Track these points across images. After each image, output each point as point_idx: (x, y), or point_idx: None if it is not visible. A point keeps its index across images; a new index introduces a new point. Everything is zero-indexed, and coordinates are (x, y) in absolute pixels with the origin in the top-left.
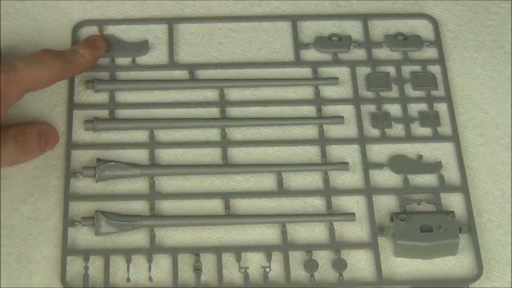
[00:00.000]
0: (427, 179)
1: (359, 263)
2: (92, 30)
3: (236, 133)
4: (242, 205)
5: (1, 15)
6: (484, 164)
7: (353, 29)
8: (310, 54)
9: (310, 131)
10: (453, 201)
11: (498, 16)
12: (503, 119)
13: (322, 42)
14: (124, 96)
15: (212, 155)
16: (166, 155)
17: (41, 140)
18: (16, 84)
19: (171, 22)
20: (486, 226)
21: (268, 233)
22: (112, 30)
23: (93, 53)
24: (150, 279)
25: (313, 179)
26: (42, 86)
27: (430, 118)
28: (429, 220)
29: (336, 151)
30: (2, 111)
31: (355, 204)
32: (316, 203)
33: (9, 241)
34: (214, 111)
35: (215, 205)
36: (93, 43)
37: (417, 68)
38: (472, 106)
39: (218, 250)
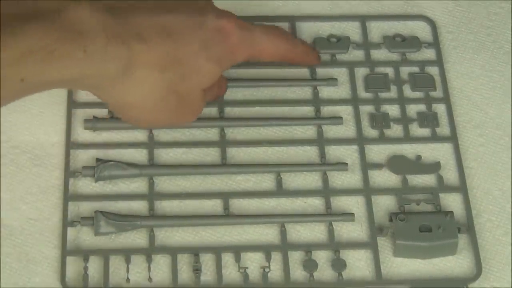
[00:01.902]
0: (426, 180)
1: (359, 263)
2: None
3: (235, 133)
4: (241, 205)
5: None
6: (484, 164)
7: (352, 30)
8: None
9: (309, 131)
10: (452, 201)
11: (498, 17)
12: (502, 119)
13: (320, 43)
14: None
15: (211, 155)
16: (165, 155)
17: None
18: (246, 46)
19: None
20: (486, 226)
21: (267, 233)
22: None
23: (307, 51)
24: (150, 279)
25: (312, 179)
26: (263, 59)
27: (428, 119)
28: (428, 220)
29: (335, 152)
30: (227, 66)
31: (354, 204)
32: (315, 203)
33: (9, 241)
34: (213, 111)
35: (214, 205)
36: (307, 50)
37: (415, 69)
38: (472, 107)
39: (217, 250)
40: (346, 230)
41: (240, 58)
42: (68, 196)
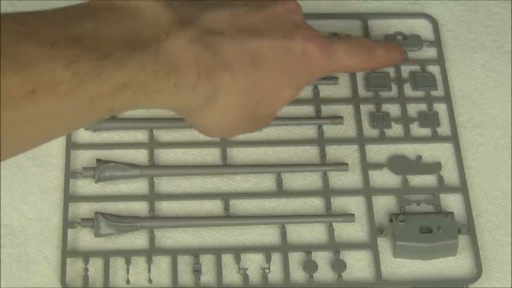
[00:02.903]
0: (427, 180)
1: (359, 263)
2: None
3: None
4: (242, 205)
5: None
6: (484, 164)
7: (353, 28)
8: None
9: (309, 131)
10: (453, 202)
11: (498, 16)
12: (503, 119)
13: None
14: None
15: (211, 155)
16: (165, 155)
17: None
18: (326, 65)
19: None
20: (486, 226)
21: (267, 234)
22: None
23: (390, 57)
24: (150, 280)
25: (312, 180)
26: (343, 72)
27: (429, 119)
28: (428, 221)
29: (336, 152)
30: (303, 88)
31: (354, 204)
32: (316, 204)
33: (9, 241)
34: None
35: (214, 206)
36: (388, 53)
37: (416, 68)
38: (472, 106)
39: (217, 251)
40: (346, 231)
41: (318, 77)
42: (68, 197)
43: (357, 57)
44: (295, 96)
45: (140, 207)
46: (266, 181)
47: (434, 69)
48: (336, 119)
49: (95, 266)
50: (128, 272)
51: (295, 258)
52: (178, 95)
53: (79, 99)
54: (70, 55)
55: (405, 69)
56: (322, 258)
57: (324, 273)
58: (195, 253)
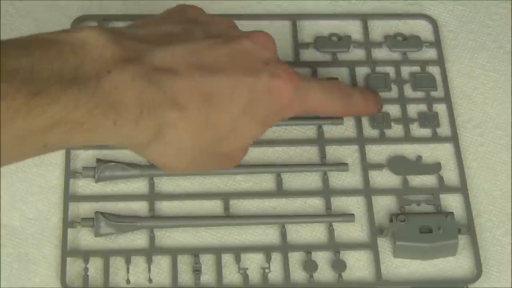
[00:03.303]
0: (427, 180)
1: (359, 263)
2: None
3: None
4: (242, 205)
5: (1, 14)
6: (484, 164)
7: (353, 29)
8: (310, 54)
9: (309, 131)
10: (453, 202)
11: (498, 16)
12: (503, 119)
13: (321, 42)
14: None
15: None
16: None
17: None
18: (298, 105)
19: None
20: (486, 226)
21: (267, 234)
22: (112, 26)
23: (366, 106)
24: (150, 280)
25: (312, 180)
26: (317, 114)
27: (429, 119)
28: (428, 221)
29: (336, 152)
30: (272, 124)
31: (354, 204)
32: (316, 204)
33: (9, 241)
34: None
35: (214, 206)
36: (365, 101)
37: (416, 68)
38: (472, 106)
39: (217, 251)
40: (346, 231)
41: (289, 115)
42: (68, 197)
43: (332, 101)
44: (261, 132)
45: (140, 207)
46: (266, 181)
47: (434, 70)
48: (336, 119)
49: (95, 266)
50: (128, 271)
51: (295, 258)
52: (118, 132)
53: (9, 135)
54: (2, 90)
55: (405, 70)
56: (322, 258)
57: (324, 273)
58: (195, 252)
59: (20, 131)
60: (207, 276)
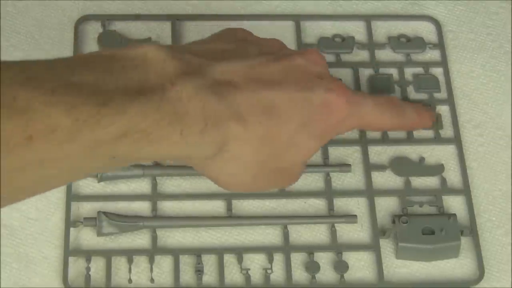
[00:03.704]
0: (429, 182)
1: (361, 264)
2: (94, 26)
3: None
4: (244, 206)
5: (1, 14)
6: (484, 164)
7: (356, 30)
8: None
9: None
10: (455, 203)
11: (498, 16)
12: (503, 119)
13: (325, 42)
14: None
15: None
16: None
17: None
18: (352, 120)
19: (174, 19)
20: (486, 226)
21: (269, 234)
22: (114, 26)
23: (419, 120)
24: (152, 280)
25: (314, 180)
26: (370, 130)
27: None
28: (430, 222)
29: (338, 153)
30: (329, 139)
31: (356, 205)
32: (318, 205)
33: (9, 241)
34: None
35: (216, 206)
36: (418, 117)
37: (419, 70)
38: (472, 106)
39: (219, 251)
40: (349, 232)
41: (344, 131)
42: (70, 196)
43: (385, 115)
44: (317, 148)
45: (142, 207)
46: None
47: (437, 71)
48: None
49: (97, 266)
50: (130, 271)
51: (297, 258)
52: (185, 143)
53: (78, 146)
54: (69, 102)
55: (408, 71)
56: (324, 259)
57: (326, 274)
58: (197, 253)
59: (89, 143)
60: (209, 276)
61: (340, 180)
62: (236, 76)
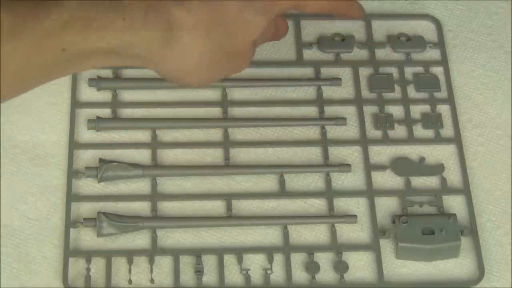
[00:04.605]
0: (429, 181)
1: (361, 265)
2: None
3: (238, 133)
4: (244, 206)
5: None
6: (484, 164)
7: (356, 29)
8: (313, 54)
9: (312, 132)
10: (455, 203)
11: (498, 16)
12: (503, 119)
13: (325, 42)
14: (127, 95)
15: (214, 155)
16: (168, 155)
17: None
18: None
19: None
20: (486, 226)
21: (269, 235)
22: None
23: (351, 8)
24: (152, 280)
25: (314, 180)
26: (307, 11)
27: (432, 120)
28: (430, 222)
29: (338, 153)
30: (273, 14)
31: (356, 205)
32: (318, 205)
33: (9, 241)
34: (216, 111)
35: (216, 206)
36: (351, 2)
37: (419, 69)
38: (472, 106)
39: (219, 252)
40: (349, 232)
41: (285, 6)
42: (70, 197)
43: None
44: (266, 21)
45: (142, 207)
46: (269, 182)
47: (437, 71)
48: (339, 120)
49: (97, 266)
50: (130, 272)
51: (297, 259)
52: (128, 27)
53: (24, 41)
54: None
55: (408, 71)
56: (324, 259)
57: (326, 274)
58: (197, 253)
59: (33, 36)
60: (209, 276)
61: (340, 180)
62: None
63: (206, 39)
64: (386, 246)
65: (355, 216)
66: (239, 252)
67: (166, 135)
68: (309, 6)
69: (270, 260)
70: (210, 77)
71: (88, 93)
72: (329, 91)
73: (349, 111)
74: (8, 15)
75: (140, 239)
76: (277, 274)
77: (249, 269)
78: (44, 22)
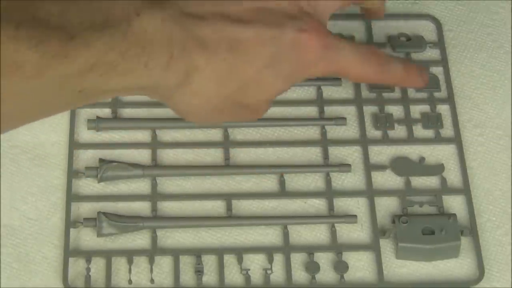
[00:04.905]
0: (429, 181)
1: (361, 265)
2: None
3: (238, 133)
4: (244, 206)
5: None
6: (484, 164)
7: (356, 29)
8: None
9: (312, 132)
10: (455, 203)
11: (498, 16)
12: (503, 119)
13: None
14: None
15: (214, 155)
16: (168, 155)
17: None
18: (326, 64)
19: None
20: (486, 226)
21: (269, 235)
22: None
23: (407, 76)
24: (152, 280)
25: (314, 180)
26: (349, 79)
27: (432, 120)
28: (431, 222)
29: (338, 153)
30: (298, 81)
31: (356, 205)
32: (318, 205)
33: (9, 241)
34: None
35: (216, 206)
36: (406, 73)
37: None
38: (472, 106)
39: (219, 252)
40: (349, 232)
41: (316, 74)
42: (70, 197)
43: (366, 65)
44: (285, 88)
45: (142, 207)
46: (269, 182)
47: (437, 70)
48: (339, 120)
49: (97, 266)
50: (130, 272)
51: (297, 259)
52: (149, 75)
53: (46, 81)
54: (36, 36)
55: None
56: (324, 259)
57: (326, 274)
58: (197, 253)
59: (56, 77)
60: (209, 276)
61: (340, 180)
62: (204, 10)
63: (217, 89)
64: (386, 246)
65: (355, 216)
66: (239, 252)
67: (166, 135)
68: (351, 76)
69: (270, 260)
70: (214, 121)
71: None
72: (329, 91)
73: (349, 111)
74: (35, 55)
75: (140, 239)
76: (277, 274)
77: (249, 269)
78: (70, 66)
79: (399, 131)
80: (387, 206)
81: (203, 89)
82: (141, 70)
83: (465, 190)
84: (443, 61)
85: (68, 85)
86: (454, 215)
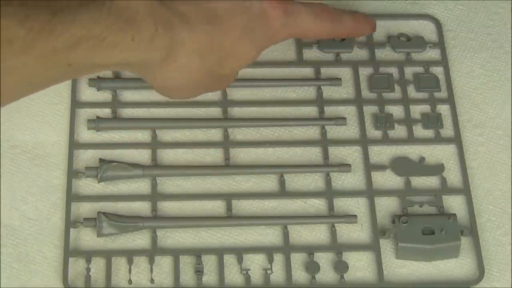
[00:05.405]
0: (429, 181)
1: (361, 265)
2: None
3: (238, 133)
4: (244, 206)
5: None
6: (484, 164)
7: None
8: (313, 54)
9: (312, 132)
10: (455, 203)
11: (498, 16)
12: (503, 119)
13: (325, 42)
14: (127, 95)
15: (214, 155)
16: (168, 155)
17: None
18: (288, 29)
19: None
20: (486, 226)
21: (269, 235)
22: None
23: (357, 26)
24: (152, 280)
25: (314, 180)
26: (307, 38)
27: (432, 120)
28: (430, 222)
29: (338, 153)
30: (265, 48)
31: (356, 205)
32: (318, 205)
33: (9, 241)
34: (216, 111)
35: (216, 206)
36: (357, 24)
37: (419, 69)
38: (472, 106)
39: (219, 252)
40: (349, 232)
41: (280, 39)
42: (70, 197)
43: (321, 22)
44: (256, 56)
45: (142, 207)
46: (269, 182)
47: (437, 71)
48: (339, 120)
49: (97, 266)
50: (130, 272)
51: (297, 259)
52: (136, 49)
53: (35, 55)
54: (23, 12)
55: (409, 71)
56: (324, 259)
57: (326, 274)
58: (197, 253)
59: (44, 51)
60: (209, 276)
61: (340, 180)
62: None
63: (200, 62)
64: (386, 246)
65: (355, 216)
66: (239, 252)
67: (166, 135)
68: (309, 35)
69: (270, 260)
70: (193, 95)
71: (88, 93)
72: (329, 91)
73: (349, 111)
74: (23, 29)
75: (140, 239)
76: (277, 274)
77: (249, 269)
78: (57, 39)
79: (399, 131)
80: (387, 206)
81: (187, 63)
82: (128, 43)
83: (465, 190)
84: (443, 61)
85: (56, 59)
86: (454, 215)
